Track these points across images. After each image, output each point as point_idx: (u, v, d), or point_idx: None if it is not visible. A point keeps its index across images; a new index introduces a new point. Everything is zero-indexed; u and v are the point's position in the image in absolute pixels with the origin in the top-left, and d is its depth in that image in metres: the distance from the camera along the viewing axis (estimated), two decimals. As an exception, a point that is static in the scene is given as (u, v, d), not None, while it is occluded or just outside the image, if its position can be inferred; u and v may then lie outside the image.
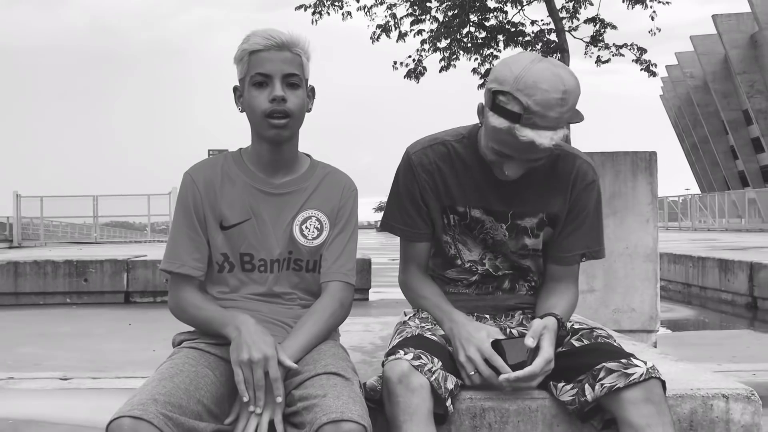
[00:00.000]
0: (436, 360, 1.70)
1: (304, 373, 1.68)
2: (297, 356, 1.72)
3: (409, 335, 1.86)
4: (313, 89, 1.92)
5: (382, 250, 19.82)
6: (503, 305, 2.00)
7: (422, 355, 1.69)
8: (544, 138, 1.65)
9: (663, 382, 1.67)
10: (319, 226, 1.91)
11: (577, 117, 1.71)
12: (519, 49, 15.17)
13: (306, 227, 1.90)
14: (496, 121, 1.69)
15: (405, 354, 1.68)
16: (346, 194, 1.95)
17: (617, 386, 1.63)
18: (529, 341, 1.71)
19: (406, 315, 2.08)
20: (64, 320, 8.59)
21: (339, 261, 1.90)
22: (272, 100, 1.79)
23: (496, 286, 2.00)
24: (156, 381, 1.60)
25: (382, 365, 1.73)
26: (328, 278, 1.89)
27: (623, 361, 1.67)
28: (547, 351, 1.72)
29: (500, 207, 1.90)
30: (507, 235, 1.93)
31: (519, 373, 1.71)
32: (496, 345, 1.76)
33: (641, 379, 1.62)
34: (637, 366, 1.65)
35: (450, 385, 1.71)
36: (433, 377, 1.66)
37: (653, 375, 1.64)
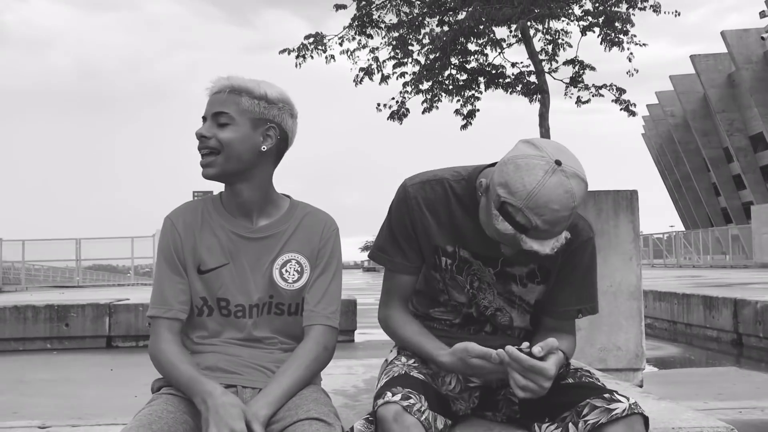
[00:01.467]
0: (423, 399, 1.70)
1: (285, 420, 1.66)
2: (279, 403, 1.70)
3: (396, 374, 1.84)
4: (274, 129, 1.87)
5: (368, 291, 19.73)
6: (487, 345, 1.99)
7: (410, 395, 1.69)
8: (547, 247, 1.66)
9: (646, 419, 1.66)
10: (299, 269, 1.90)
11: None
12: (500, 91, 15.39)
13: (286, 270, 1.89)
14: (501, 225, 1.67)
15: (393, 396, 1.67)
16: (326, 234, 1.94)
17: (601, 422, 1.62)
18: (537, 350, 1.68)
19: (392, 352, 2.06)
20: (43, 366, 8.45)
21: (321, 304, 1.88)
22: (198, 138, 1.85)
23: (478, 328, 1.99)
24: (134, 429, 1.57)
25: (373, 407, 1.72)
26: (310, 322, 1.87)
27: (606, 396, 1.68)
28: (551, 369, 1.68)
29: (490, 253, 1.87)
30: (495, 278, 1.92)
31: (533, 361, 1.66)
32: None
33: (623, 414, 1.62)
34: (619, 401, 1.65)
35: (440, 425, 1.72)
36: (423, 417, 1.66)
37: (635, 411, 1.64)
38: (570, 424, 1.68)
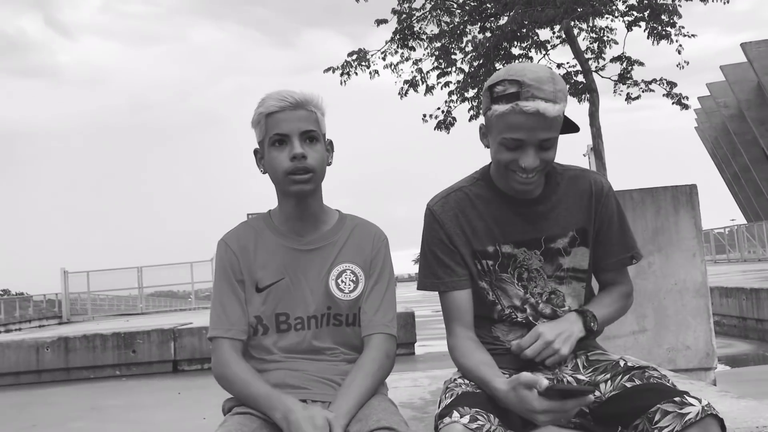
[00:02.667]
0: (493, 417, 1.65)
1: (357, 431, 1.66)
2: (350, 415, 1.70)
3: (461, 393, 1.80)
4: (331, 143, 1.95)
5: (424, 302, 19.66)
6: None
7: (479, 416, 1.63)
8: (547, 106, 1.73)
9: (721, 421, 1.60)
10: (354, 279, 1.91)
11: (573, 127, 1.85)
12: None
13: (342, 281, 1.90)
14: (500, 107, 1.76)
15: (461, 417, 1.63)
16: (377, 244, 1.96)
17: (675, 429, 1.56)
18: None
19: (456, 373, 2.00)
20: (114, 393, 8.66)
21: (379, 313, 1.89)
22: (293, 158, 1.82)
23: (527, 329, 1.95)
24: None
25: (435, 429, 1.68)
26: (369, 331, 1.88)
27: (677, 399, 1.61)
28: (547, 335, 1.83)
29: (531, 235, 1.92)
30: (542, 260, 1.94)
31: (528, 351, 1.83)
32: (550, 392, 1.66)
33: (697, 418, 1.56)
34: (692, 405, 1.59)
35: None
36: None
37: (709, 412, 1.58)
38: None
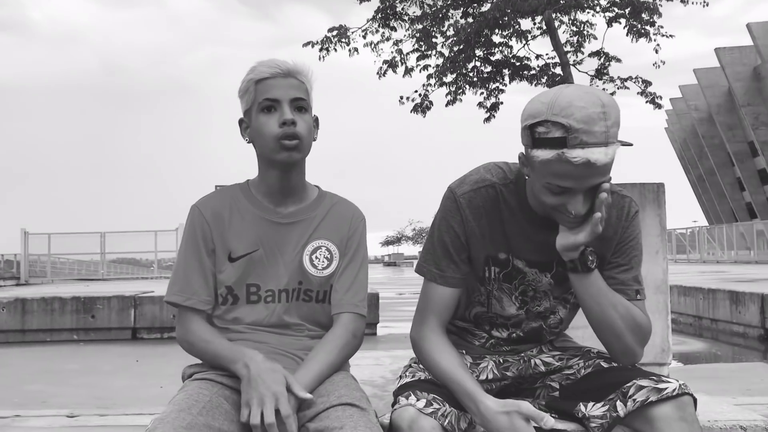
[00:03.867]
0: (447, 406, 1.66)
1: (318, 405, 1.66)
2: (310, 387, 1.70)
3: (422, 377, 1.81)
4: (317, 119, 1.93)
5: (389, 285, 19.77)
6: (520, 349, 1.94)
7: (435, 401, 1.65)
8: (598, 154, 1.51)
9: (695, 400, 1.63)
10: (329, 256, 1.90)
11: (626, 141, 1.62)
12: (524, 84, 15.30)
13: (316, 257, 1.89)
14: (543, 153, 1.55)
15: (417, 400, 1.64)
16: (354, 224, 1.95)
17: (650, 399, 1.59)
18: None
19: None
20: (71, 357, 8.56)
21: (350, 292, 1.89)
22: (283, 124, 1.79)
23: (513, 349, 1.93)
24: (175, 413, 1.57)
25: (392, 406, 1.69)
26: (339, 310, 1.88)
27: (653, 378, 1.65)
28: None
29: (545, 258, 1.78)
30: (552, 283, 1.83)
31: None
32: None
33: (674, 393, 1.59)
34: (668, 382, 1.62)
35: (464, 425, 1.68)
36: (446, 421, 1.63)
37: (686, 391, 1.61)
38: (618, 403, 1.64)
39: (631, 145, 1.63)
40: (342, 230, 1.93)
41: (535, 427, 1.59)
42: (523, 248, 1.80)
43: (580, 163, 1.51)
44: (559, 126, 1.52)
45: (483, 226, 1.79)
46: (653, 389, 1.61)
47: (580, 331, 2.16)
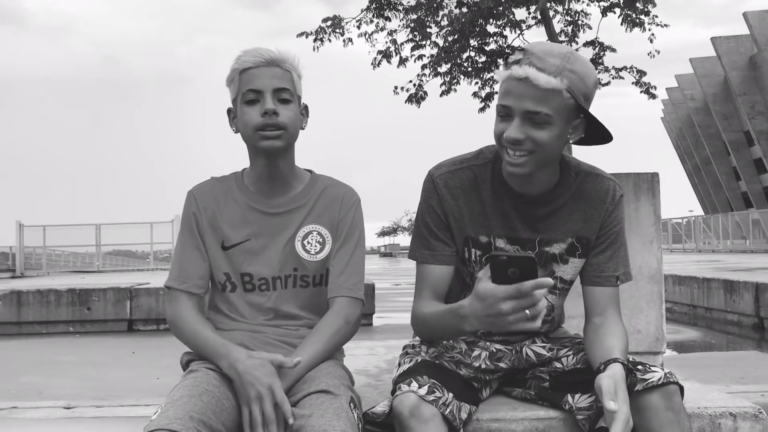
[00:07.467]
0: (447, 392, 1.67)
1: (297, 394, 1.67)
2: (299, 375, 1.71)
3: (420, 361, 1.82)
4: (306, 107, 1.93)
5: (385, 275, 19.78)
6: (511, 340, 1.94)
7: (435, 389, 1.65)
8: (539, 77, 1.58)
9: (681, 389, 1.64)
10: (321, 240, 1.90)
11: (607, 136, 1.72)
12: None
13: (308, 242, 1.89)
14: (500, 73, 1.68)
15: (419, 387, 1.64)
16: (346, 205, 1.93)
17: (636, 388, 1.59)
18: (612, 405, 1.52)
19: (414, 339, 2.01)
20: (67, 349, 8.56)
21: (343, 275, 1.88)
22: (264, 114, 1.80)
23: (504, 339, 1.93)
24: (186, 397, 1.58)
25: (392, 393, 1.70)
26: (332, 294, 1.87)
27: (639, 367, 1.65)
28: (624, 411, 1.53)
29: (526, 234, 1.80)
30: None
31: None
32: (496, 262, 1.48)
33: (659, 382, 1.60)
34: (654, 372, 1.62)
35: (464, 415, 1.70)
36: (448, 410, 1.64)
37: (671, 380, 1.61)
38: None
39: (611, 139, 1.73)
40: (333, 213, 1.92)
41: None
42: (504, 224, 1.81)
43: (519, 77, 1.61)
44: (522, 50, 1.67)
45: (461, 206, 1.82)
46: (639, 379, 1.62)
47: (576, 321, 2.17)
